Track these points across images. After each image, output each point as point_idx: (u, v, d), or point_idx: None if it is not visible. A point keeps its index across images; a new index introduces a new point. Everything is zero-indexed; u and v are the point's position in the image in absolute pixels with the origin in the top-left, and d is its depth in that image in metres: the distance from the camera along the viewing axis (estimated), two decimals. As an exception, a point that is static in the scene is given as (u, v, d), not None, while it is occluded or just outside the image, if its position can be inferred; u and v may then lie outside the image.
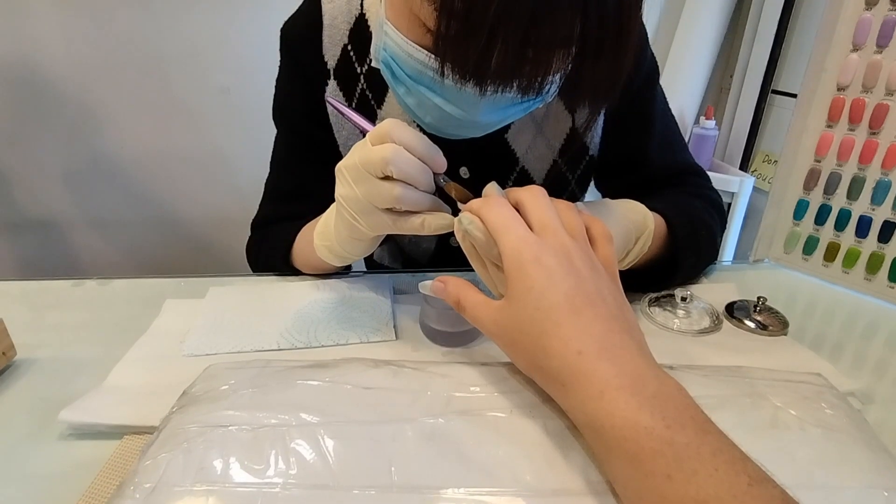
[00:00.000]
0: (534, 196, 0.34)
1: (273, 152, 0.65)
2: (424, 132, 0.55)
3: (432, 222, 0.40)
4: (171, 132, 1.47)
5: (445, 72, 0.35)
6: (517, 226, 0.32)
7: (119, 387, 0.39)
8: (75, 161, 1.47)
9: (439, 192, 0.41)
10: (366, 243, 0.45)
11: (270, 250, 0.59)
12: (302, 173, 0.62)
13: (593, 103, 0.41)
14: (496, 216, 0.33)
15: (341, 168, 0.41)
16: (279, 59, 0.61)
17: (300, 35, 0.58)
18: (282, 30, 0.59)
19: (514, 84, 0.35)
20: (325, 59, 0.57)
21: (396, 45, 0.41)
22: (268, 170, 0.66)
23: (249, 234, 0.66)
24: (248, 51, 1.39)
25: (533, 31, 0.32)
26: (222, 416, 0.30)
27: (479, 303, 0.34)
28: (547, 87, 0.36)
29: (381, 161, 0.37)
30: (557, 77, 0.36)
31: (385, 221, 0.40)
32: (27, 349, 0.44)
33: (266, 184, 0.66)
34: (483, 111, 0.41)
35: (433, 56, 0.37)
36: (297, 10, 0.59)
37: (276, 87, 0.62)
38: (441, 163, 0.39)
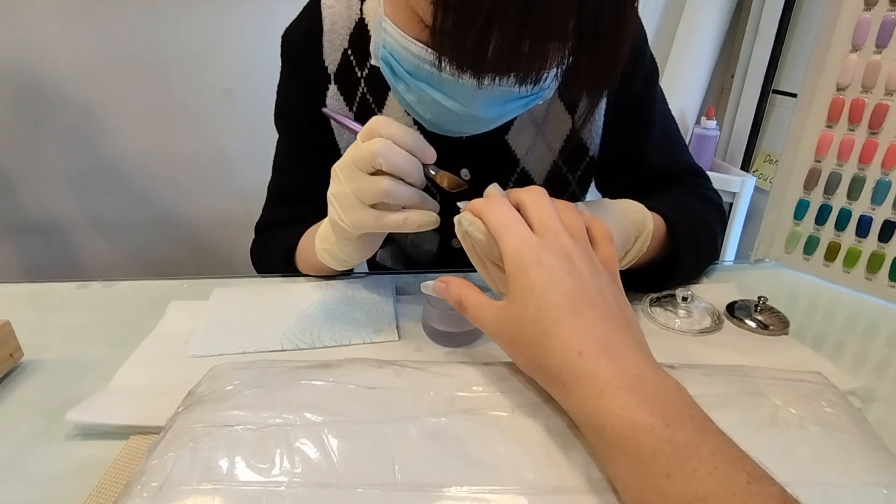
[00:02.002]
0: (534, 196, 0.35)
1: (275, 156, 0.65)
2: (425, 130, 0.55)
3: (416, 219, 0.40)
4: (173, 134, 1.48)
5: (443, 64, 0.36)
6: (518, 226, 0.33)
7: (125, 387, 0.40)
8: (79, 164, 1.48)
9: (432, 186, 0.41)
10: (356, 245, 0.45)
11: (274, 253, 0.59)
12: (304, 177, 0.62)
13: (591, 94, 0.41)
14: (497, 216, 0.34)
15: (335, 168, 0.42)
16: (280, 64, 0.61)
17: (301, 41, 0.59)
18: (283, 37, 0.60)
19: (512, 76, 0.35)
20: (326, 64, 0.58)
21: (395, 40, 0.41)
22: (270, 171, 0.66)
23: (253, 236, 0.67)
24: (250, 53, 1.39)
25: (528, 22, 0.32)
26: (227, 415, 0.30)
27: (481, 303, 0.34)
28: (545, 79, 0.36)
29: (370, 154, 0.38)
30: (556, 70, 0.37)
31: (368, 218, 0.40)
32: (34, 351, 0.44)
33: (269, 187, 0.66)
34: (482, 105, 0.41)
35: (430, 49, 0.38)
36: (298, 17, 0.59)
37: (277, 92, 0.63)
38: (430, 154, 0.40)
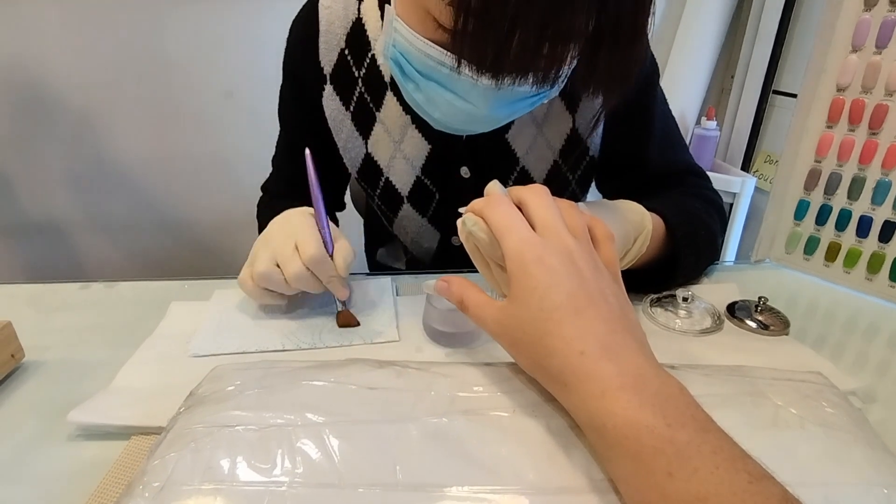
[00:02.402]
0: (536, 195, 0.35)
1: (277, 142, 0.68)
2: (424, 126, 0.55)
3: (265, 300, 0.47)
4: (174, 136, 1.48)
5: (462, 66, 0.36)
6: (520, 226, 0.33)
7: (126, 388, 0.40)
8: (80, 165, 1.48)
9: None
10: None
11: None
12: (299, 170, 0.64)
13: (608, 93, 0.41)
14: (499, 216, 0.33)
15: (272, 223, 0.49)
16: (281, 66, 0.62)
17: (296, 43, 0.59)
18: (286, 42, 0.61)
19: (530, 77, 0.36)
20: (322, 65, 0.58)
21: (407, 41, 0.41)
22: (270, 172, 0.68)
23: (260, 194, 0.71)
24: (250, 55, 1.40)
25: (549, 25, 0.32)
26: (229, 416, 0.30)
27: (482, 303, 0.34)
28: (561, 79, 0.37)
29: (285, 272, 0.44)
30: (568, 68, 0.37)
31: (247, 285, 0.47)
32: (35, 351, 0.44)
33: (272, 161, 0.69)
34: (493, 105, 0.42)
35: (447, 52, 0.38)
36: (294, 20, 0.60)
37: (279, 92, 0.64)
38: (342, 296, 0.47)
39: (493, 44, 0.33)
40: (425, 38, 0.40)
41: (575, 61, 0.36)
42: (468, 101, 0.42)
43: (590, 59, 0.36)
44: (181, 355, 0.44)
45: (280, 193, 0.67)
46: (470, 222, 0.35)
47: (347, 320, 0.47)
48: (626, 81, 0.39)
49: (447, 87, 0.42)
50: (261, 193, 0.71)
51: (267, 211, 0.64)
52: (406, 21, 0.41)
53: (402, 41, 0.42)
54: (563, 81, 0.39)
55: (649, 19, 0.36)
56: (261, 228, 0.65)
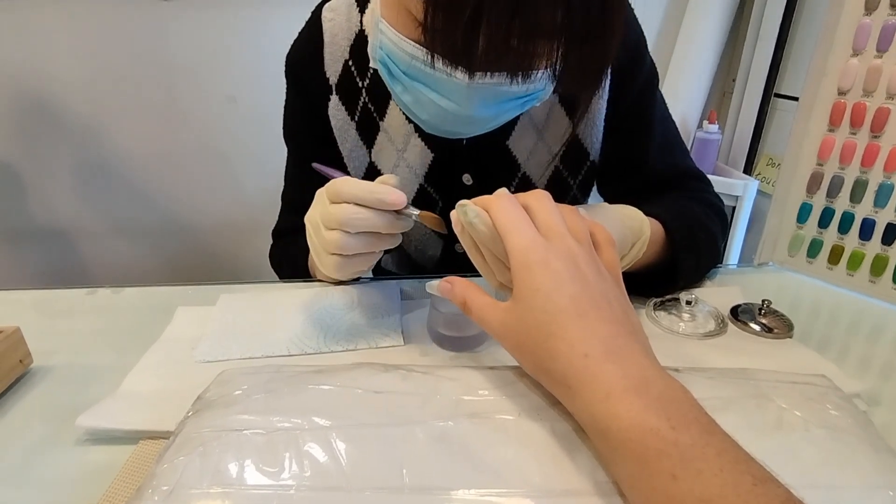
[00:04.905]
0: (540, 200, 0.35)
1: (286, 167, 0.68)
2: (426, 134, 0.55)
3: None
4: (179, 141, 1.49)
5: (435, 61, 0.36)
6: (526, 227, 0.33)
7: (134, 393, 0.40)
8: (86, 171, 1.49)
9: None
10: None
11: (290, 260, 0.61)
12: (311, 188, 0.63)
13: (582, 90, 0.42)
14: (506, 215, 0.33)
15: (306, 220, 0.45)
16: (284, 79, 0.63)
17: (302, 55, 0.60)
18: (286, 56, 0.61)
19: (505, 72, 0.36)
20: (327, 76, 0.59)
21: (391, 41, 0.42)
22: (274, 178, 0.69)
23: (258, 243, 0.68)
24: (253, 60, 1.41)
25: (516, 16, 0.33)
26: (236, 420, 0.30)
27: (486, 304, 0.35)
28: (536, 75, 0.37)
29: (336, 223, 0.40)
30: (549, 70, 0.37)
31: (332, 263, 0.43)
32: (43, 357, 0.45)
33: (282, 196, 0.69)
34: (476, 105, 0.42)
35: (423, 48, 0.39)
36: (299, 33, 0.61)
37: (284, 108, 0.65)
38: (396, 199, 0.40)
39: (461, 36, 0.34)
40: (407, 38, 0.41)
41: (557, 62, 0.37)
42: (451, 101, 0.42)
43: (562, 58, 0.36)
44: (187, 360, 0.44)
45: (296, 227, 0.64)
46: (472, 213, 0.35)
47: (433, 222, 0.42)
48: (598, 77, 0.39)
49: (429, 85, 0.42)
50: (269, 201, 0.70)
51: (288, 252, 0.64)
52: (390, 22, 0.42)
53: (387, 42, 0.43)
54: (543, 81, 0.39)
55: (623, 7, 0.36)
56: (284, 271, 0.65)
